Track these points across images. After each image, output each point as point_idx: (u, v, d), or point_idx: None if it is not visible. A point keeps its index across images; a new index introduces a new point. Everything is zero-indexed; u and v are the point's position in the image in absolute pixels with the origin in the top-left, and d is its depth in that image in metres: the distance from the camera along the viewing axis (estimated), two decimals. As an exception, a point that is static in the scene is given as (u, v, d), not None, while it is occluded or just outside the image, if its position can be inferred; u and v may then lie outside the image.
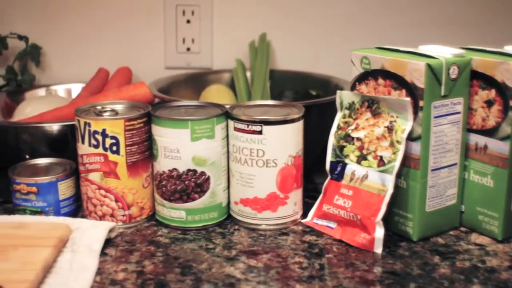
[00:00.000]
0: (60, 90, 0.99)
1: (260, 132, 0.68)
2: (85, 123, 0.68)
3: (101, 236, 0.67)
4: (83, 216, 0.73)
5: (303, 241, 0.68)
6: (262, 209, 0.70)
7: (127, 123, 0.68)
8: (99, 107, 0.73)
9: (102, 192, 0.70)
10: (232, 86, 0.96)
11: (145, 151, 0.70)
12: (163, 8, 1.00)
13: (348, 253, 0.66)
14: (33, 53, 0.97)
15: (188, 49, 1.00)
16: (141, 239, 0.69)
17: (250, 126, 0.68)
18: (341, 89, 0.89)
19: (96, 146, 0.68)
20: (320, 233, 0.70)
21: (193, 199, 0.69)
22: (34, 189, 0.70)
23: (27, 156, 0.81)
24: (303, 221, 0.73)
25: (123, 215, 0.70)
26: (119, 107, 0.73)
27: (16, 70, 0.98)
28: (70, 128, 0.79)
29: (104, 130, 0.68)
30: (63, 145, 0.80)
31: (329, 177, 0.72)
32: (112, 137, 0.68)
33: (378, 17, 1.00)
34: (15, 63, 0.99)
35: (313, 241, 0.68)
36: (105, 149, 0.68)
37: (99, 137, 0.68)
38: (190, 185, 0.69)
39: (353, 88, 0.72)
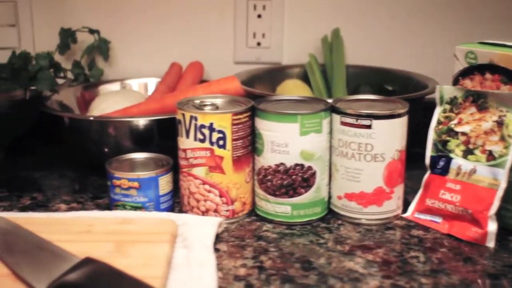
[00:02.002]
0: (134, 84, 0.98)
1: (369, 127, 0.67)
2: (191, 117, 0.67)
3: (211, 231, 0.66)
4: (181, 211, 0.73)
5: (411, 235, 0.68)
6: (368, 204, 0.69)
7: (234, 117, 0.67)
8: (197, 101, 0.72)
9: (207, 187, 0.69)
10: (303, 80, 0.95)
11: (248, 145, 0.70)
12: (234, 2, 0.99)
13: (460, 247, 0.65)
14: (102, 47, 0.96)
15: (259, 43, 0.99)
16: (249, 234, 0.68)
17: (359, 120, 0.67)
18: (422, 84, 0.89)
19: (202, 141, 0.68)
20: (424, 227, 0.70)
21: (299, 194, 0.69)
22: (135, 184, 0.69)
23: (106, 150, 0.81)
24: (405, 215, 0.72)
25: (227, 210, 0.70)
26: (218, 101, 0.72)
27: (82, 64, 0.96)
28: (157, 123, 0.79)
29: (211, 124, 0.67)
30: (148, 140, 0.80)
31: (428, 172, 0.72)
32: (219, 131, 0.67)
33: (454, 11, 0.99)
34: (82, 58, 0.98)
35: (422, 236, 0.68)
36: (211, 143, 0.67)
37: (206, 131, 0.67)
38: (297, 180, 0.68)
39: (456, 82, 0.71)
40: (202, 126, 0.67)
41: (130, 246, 0.62)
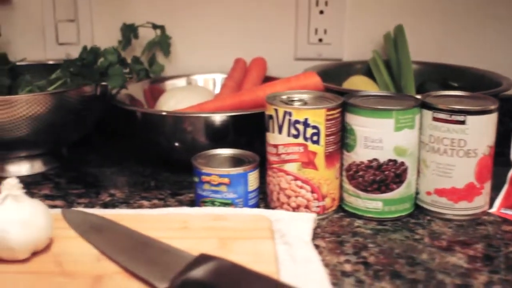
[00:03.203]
0: (199, 80, 0.98)
1: (463, 122, 0.67)
2: (285, 113, 0.67)
3: (308, 227, 0.65)
4: (267, 208, 0.72)
5: (504, 230, 0.68)
6: (459, 199, 0.69)
7: (328, 113, 0.67)
8: (284, 97, 0.72)
9: (298, 183, 0.68)
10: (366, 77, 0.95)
11: (339, 141, 0.69)
12: (296, -2, 1.00)
13: (556, 242, 0.66)
14: (163, 43, 0.95)
15: (320, 40, 0.99)
16: (342, 230, 0.68)
17: (452, 116, 0.67)
18: (495, 81, 0.88)
19: (296, 136, 0.67)
20: (512, 222, 0.71)
21: (391, 190, 0.68)
22: (226, 180, 0.69)
23: (179, 146, 0.80)
24: (491, 211, 0.72)
25: (317, 206, 0.69)
26: (305, 97, 0.72)
27: (141, 60, 0.95)
28: (233, 119, 0.79)
29: (306, 119, 0.66)
30: (223, 136, 0.79)
31: (515, 167, 0.73)
32: (314, 127, 0.67)
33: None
34: (143, 54, 0.97)
35: (515, 231, 0.69)
36: (305, 139, 0.67)
37: (300, 127, 0.67)
38: (389, 176, 0.68)
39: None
40: (297, 121, 0.67)
41: (233, 242, 0.61)
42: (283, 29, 1.02)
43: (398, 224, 0.69)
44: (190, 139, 0.80)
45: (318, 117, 0.67)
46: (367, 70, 0.97)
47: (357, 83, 0.89)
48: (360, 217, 0.70)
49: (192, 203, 0.74)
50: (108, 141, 0.97)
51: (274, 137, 0.69)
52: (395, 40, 0.95)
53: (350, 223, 0.69)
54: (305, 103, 0.70)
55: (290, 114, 0.67)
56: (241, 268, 0.52)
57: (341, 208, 0.72)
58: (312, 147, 0.68)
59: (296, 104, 0.70)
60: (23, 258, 0.57)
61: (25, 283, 0.54)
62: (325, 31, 0.99)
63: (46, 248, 0.59)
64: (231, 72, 0.94)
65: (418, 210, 0.72)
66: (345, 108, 0.69)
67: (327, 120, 0.67)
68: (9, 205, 0.57)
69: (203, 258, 0.53)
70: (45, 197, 0.77)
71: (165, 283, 0.52)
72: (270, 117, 0.69)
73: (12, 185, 0.58)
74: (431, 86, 0.91)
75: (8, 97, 0.81)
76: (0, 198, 0.57)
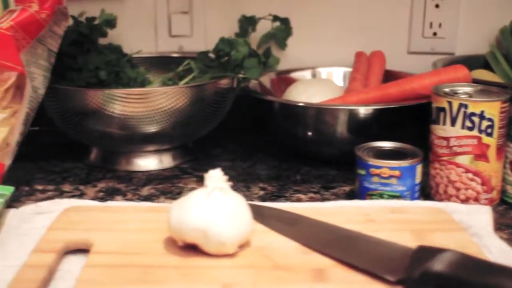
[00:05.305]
0: (322, 72, 0.97)
1: None
2: (460, 105, 0.67)
3: (489, 219, 0.65)
4: (429, 200, 0.71)
5: None
6: None
7: (502, 105, 0.67)
8: (447, 90, 0.72)
9: (469, 175, 0.68)
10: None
11: (506, 134, 0.69)
12: (411, -9, 0.99)
13: None
14: (279, 35, 0.94)
15: (435, 34, 0.99)
16: (517, 222, 0.68)
17: None
18: None
19: (471, 129, 0.67)
20: None
21: (561, 182, 0.69)
22: (396, 173, 0.68)
23: (308, 133, 0.80)
24: None
25: (486, 199, 0.69)
26: (468, 90, 0.71)
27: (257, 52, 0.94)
28: (378, 113, 0.78)
29: (482, 112, 0.66)
30: (367, 129, 0.79)
31: None
32: (489, 119, 0.66)
33: None
34: (259, 47, 0.96)
35: None
36: (480, 131, 0.67)
37: (476, 119, 0.66)
38: (560, 168, 0.69)
39: None
40: (472, 114, 0.67)
41: (428, 234, 0.60)
42: (397, 23, 1.01)
43: None
44: (331, 131, 0.79)
45: (493, 109, 0.67)
46: (482, 64, 0.96)
47: (484, 76, 0.89)
48: (525, 209, 0.71)
49: (349, 196, 0.74)
50: (228, 134, 0.95)
51: (445, 130, 0.69)
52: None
53: (517, 215, 0.71)
54: (470, 96, 0.70)
55: (466, 106, 0.67)
56: (479, 260, 0.51)
57: (502, 200, 0.73)
58: (485, 139, 0.67)
59: (462, 96, 0.70)
60: (231, 253, 0.56)
61: (245, 277, 0.52)
62: (439, 25, 0.99)
63: (246, 242, 0.58)
64: (356, 65, 0.93)
65: None
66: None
67: (501, 112, 0.67)
68: (216, 198, 0.56)
69: (427, 250, 0.53)
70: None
71: (395, 276, 0.51)
72: (442, 109, 0.69)
73: (217, 177, 0.57)
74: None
75: (147, 89, 0.80)
76: (207, 191, 0.56)
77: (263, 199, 0.73)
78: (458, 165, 0.69)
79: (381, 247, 0.56)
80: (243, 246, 0.57)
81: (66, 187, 0.77)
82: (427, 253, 0.53)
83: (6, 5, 0.72)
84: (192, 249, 0.56)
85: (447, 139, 0.69)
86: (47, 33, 0.74)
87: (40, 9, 0.70)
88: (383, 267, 0.53)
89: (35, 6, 0.69)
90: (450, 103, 0.68)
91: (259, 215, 0.63)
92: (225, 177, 0.57)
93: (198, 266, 0.54)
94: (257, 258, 0.56)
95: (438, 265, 0.51)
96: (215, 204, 0.56)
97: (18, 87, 0.71)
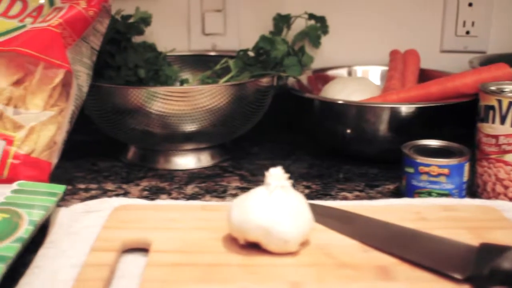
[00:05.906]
0: (358, 71, 0.98)
1: None
2: (510, 103, 0.67)
3: (541, 217, 0.66)
4: (478, 198, 0.71)
5: None
6: None
7: (552, 104, 0.68)
8: (493, 88, 0.72)
9: (518, 173, 0.69)
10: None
11: (554, 132, 0.71)
12: (444, -10, 0.99)
13: None
14: (313, 34, 0.93)
15: (467, 32, 0.99)
16: None
17: None
18: None
19: (520, 127, 0.68)
20: None
21: None
22: (445, 171, 0.68)
23: (348, 131, 0.80)
24: None
25: (533, 197, 0.70)
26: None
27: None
28: (419, 111, 0.78)
29: (531, 110, 0.67)
30: (408, 127, 0.78)
31: None
32: (539, 117, 0.67)
33: None
34: (294, 45, 0.95)
35: None
36: (529, 129, 0.68)
37: (525, 118, 0.67)
38: None
39: None
40: (522, 112, 0.67)
41: (486, 233, 0.60)
42: (430, 21, 1.02)
43: None
44: (373, 130, 0.80)
45: (542, 108, 0.68)
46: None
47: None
48: None
49: (395, 194, 0.74)
50: (263, 133, 0.95)
51: (494, 128, 0.69)
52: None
53: None
54: (515, 94, 0.71)
55: (515, 104, 0.68)
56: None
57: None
58: (534, 137, 0.68)
59: (509, 94, 0.70)
60: (294, 251, 0.56)
61: (310, 275, 0.52)
62: (472, 24, 0.99)
63: (306, 240, 0.58)
64: (393, 63, 0.93)
65: None
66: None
67: (549, 111, 0.68)
68: (278, 196, 0.55)
69: (492, 248, 0.53)
70: (238, 189, 0.75)
71: (463, 273, 0.51)
72: (491, 107, 0.69)
73: (279, 175, 0.57)
74: None
75: (189, 87, 0.80)
76: (269, 190, 0.56)
77: (309, 197, 0.72)
78: (506, 163, 0.69)
79: (443, 244, 0.56)
80: (303, 244, 0.57)
81: (109, 186, 0.77)
82: (492, 250, 0.53)
83: (52, 2, 0.72)
84: (253, 247, 0.56)
85: (496, 137, 0.69)
86: (91, 31, 0.74)
87: (87, 7, 0.70)
88: (448, 265, 0.53)
89: (83, 4, 0.69)
90: (499, 101, 0.68)
91: (314, 213, 0.63)
92: (287, 175, 0.57)
93: (262, 264, 0.54)
94: (319, 256, 0.56)
95: (507, 262, 0.51)
96: (278, 202, 0.55)
97: (65, 85, 0.71)
